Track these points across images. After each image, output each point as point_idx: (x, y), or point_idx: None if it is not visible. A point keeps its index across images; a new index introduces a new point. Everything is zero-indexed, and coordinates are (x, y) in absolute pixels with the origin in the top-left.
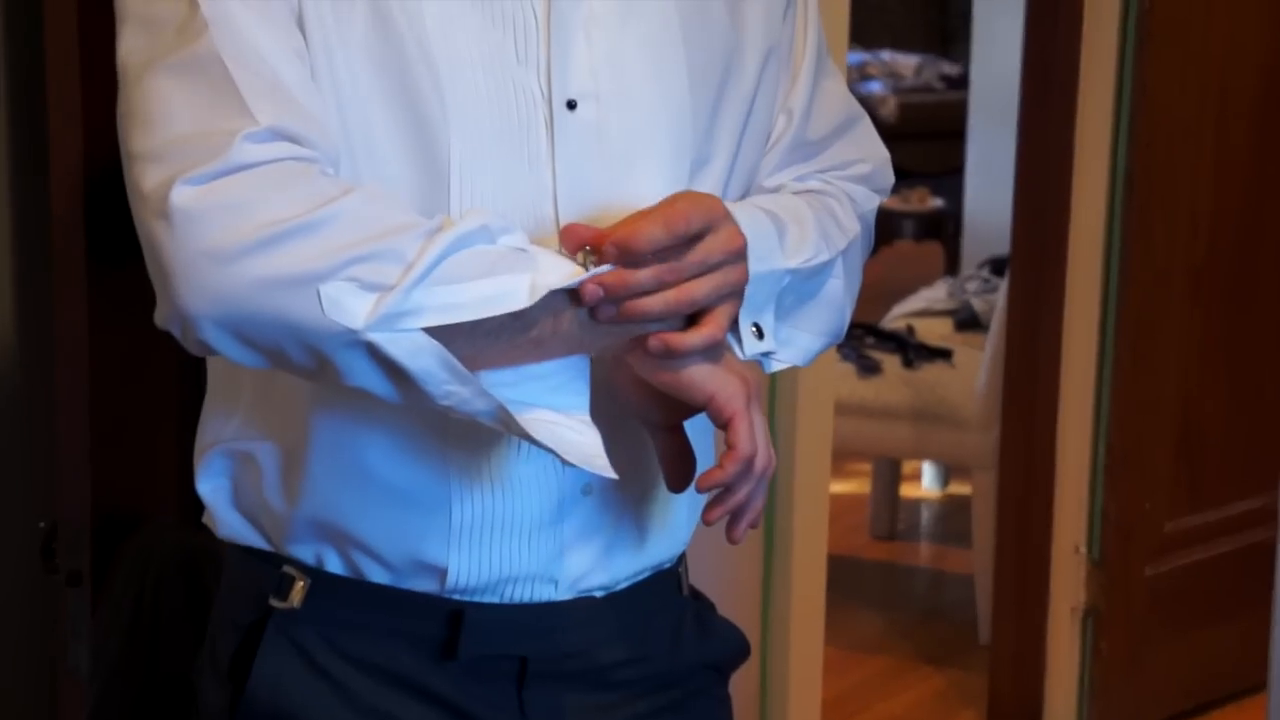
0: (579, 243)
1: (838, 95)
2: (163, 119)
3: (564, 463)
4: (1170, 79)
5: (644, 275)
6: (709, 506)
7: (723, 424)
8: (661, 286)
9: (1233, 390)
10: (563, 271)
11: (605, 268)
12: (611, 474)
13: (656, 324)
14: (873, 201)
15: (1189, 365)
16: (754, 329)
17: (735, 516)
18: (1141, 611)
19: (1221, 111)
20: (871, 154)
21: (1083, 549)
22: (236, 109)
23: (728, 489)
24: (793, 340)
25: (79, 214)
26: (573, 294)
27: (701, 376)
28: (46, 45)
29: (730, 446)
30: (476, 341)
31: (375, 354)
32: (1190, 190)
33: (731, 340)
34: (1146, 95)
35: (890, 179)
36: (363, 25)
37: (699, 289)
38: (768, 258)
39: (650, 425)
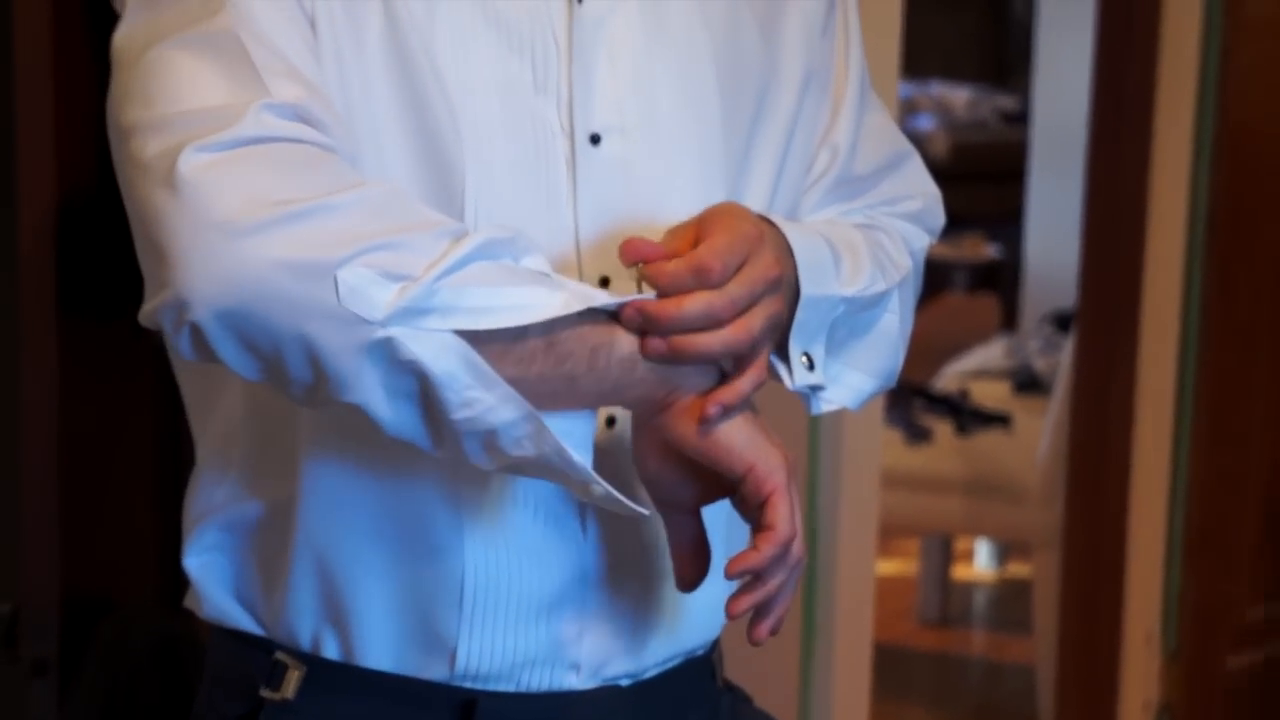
0: (637, 257)
1: (884, 129)
2: (169, 90)
3: (590, 490)
4: (1257, 114)
5: (692, 310)
6: (736, 596)
7: (760, 500)
8: (711, 323)
9: None
10: (599, 295)
11: (650, 295)
12: (644, 510)
13: (695, 378)
14: (923, 240)
15: (1278, 433)
16: (804, 359)
17: (761, 611)
18: (1223, 709)
19: None
20: (921, 190)
21: (1156, 638)
22: (255, 85)
23: (757, 577)
24: (843, 379)
25: (50, 258)
26: (614, 328)
27: (741, 443)
28: (18, 70)
29: (767, 526)
30: (506, 368)
31: (392, 355)
32: (1279, 238)
33: (780, 369)
34: (1230, 132)
35: (941, 218)
36: (377, 41)
37: (756, 324)
38: (823, 282)
39: (670, 508)
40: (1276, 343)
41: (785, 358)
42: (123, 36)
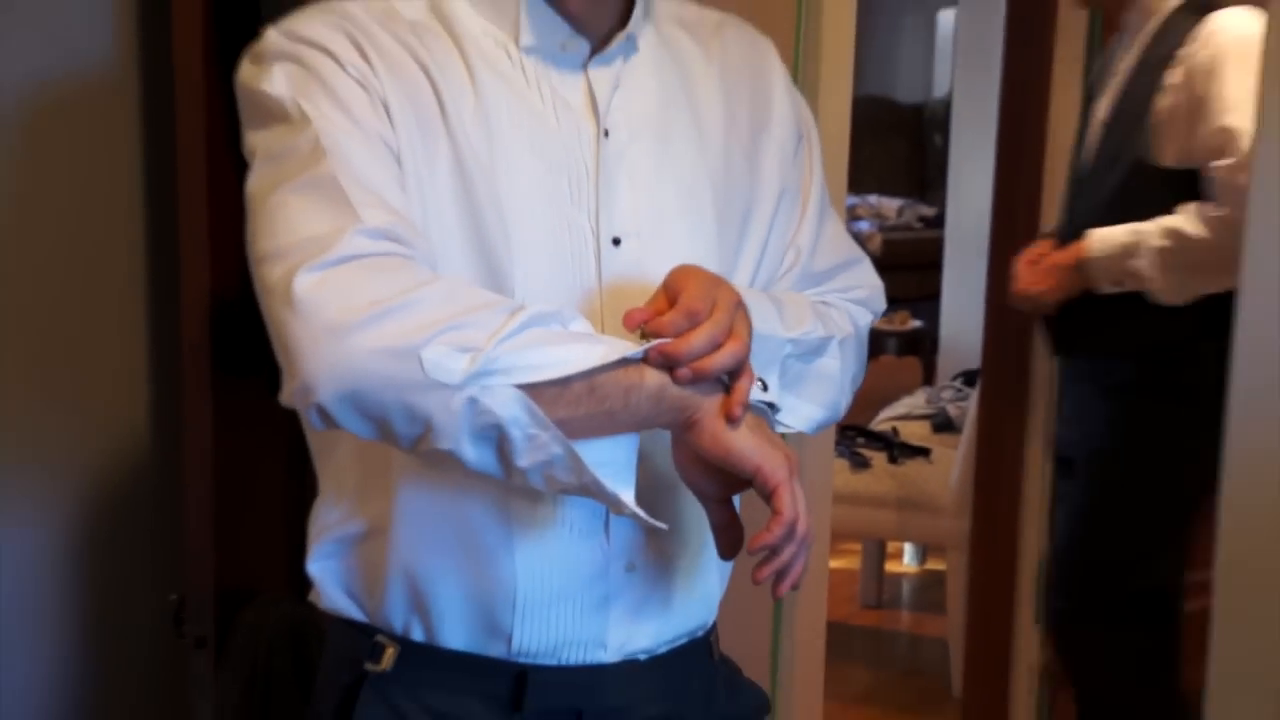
0: (636, 323)
1: (841, 238)
2: (285, 225)
3: (617, 508)
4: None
5: (699, 341)
6: (758, 566)
7: (768, 493)
8: (714, 346)
9: None
10: (629, 348)
11: (664, 340)
12: (660, 524)
13: (706, 398)
14: (866, 317)
15: None
16: (760, 383)
17: (780, 576)
18: None
19: None
20: (868, 284)
21: (1039, 618)
22: (349, 215)
23: (774, 551)
24: (796, 409)
25: (206, 338)
26: (641, 371)
27: (749, 450)
28: (180, 202)
29: (776, 512)
30: (560, 410)
31: (473, 409)
32: None
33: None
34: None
35: (883, 304)
36: (446, 169)
37: (745, 336)
38: (768, 323)
39: (705, 499)
40: None
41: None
42: (252, 184)
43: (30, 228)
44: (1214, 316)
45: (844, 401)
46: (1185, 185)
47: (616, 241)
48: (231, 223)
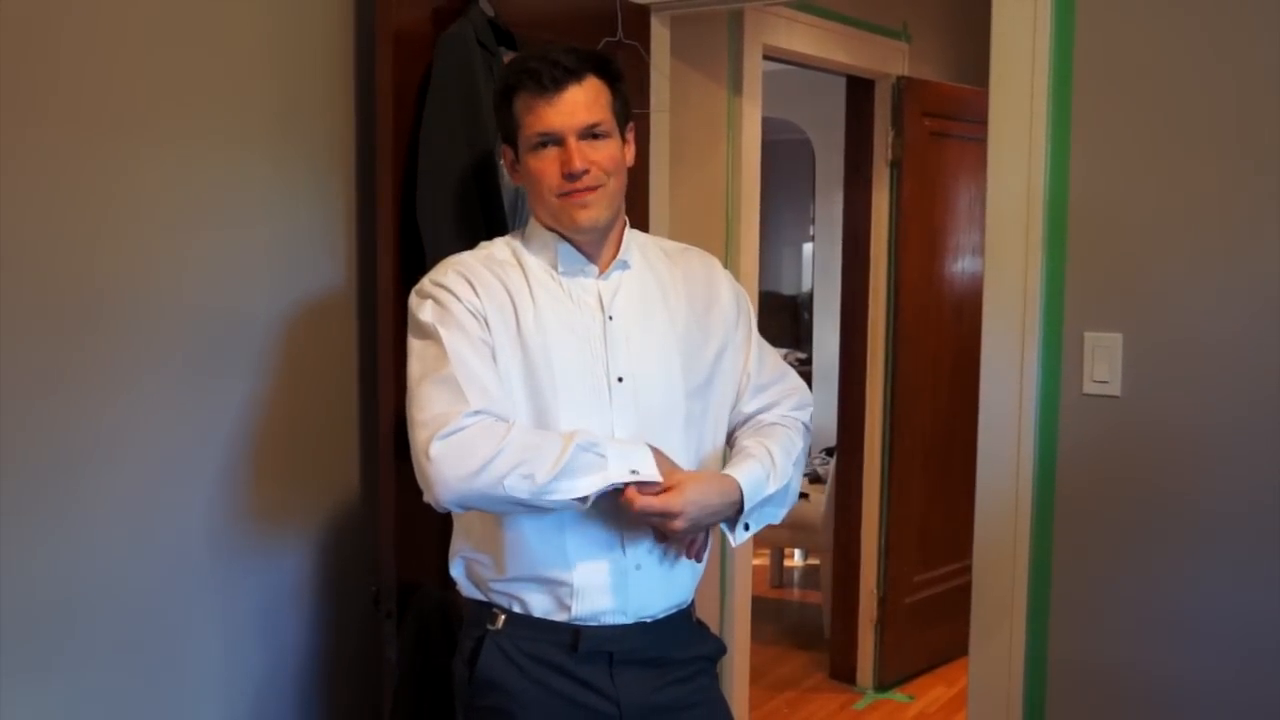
0: (633, 496)
1: (775, 361)
2: (427, 405)
3: (640, 484)
4: (912, 360)
5: (642, 503)
6: (688, 554)
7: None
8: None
9: (946, 508)
10: (619, 475)
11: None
12: (658, 478)
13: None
14: (807, 414)
15: (924, 499)
16: (745, 528)
17: (692, 553)
18: (903, 620)
19: (936, 371)
20: (798, 385)
21: (875, 590)
22: (461, 401)
23: (688, 549)
24: (769, 515)
25: (391, 435)
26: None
27: (659, 523)
28: (379, 362)
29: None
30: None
31: (534, 507)
32: (926, 422)
33: (726, 532)
34: (900, 371)
35: (810, 396)
36: (520, 359)
37: (677, 509)
38: (759, 491)
39: (659, 538)
40: (922, 467)
41: (732, 527)
42: (410, 371)
43: (297, 379)
44: None
45: (791, 499)
46: None
47: (620, 380)
48: (405, 374)
